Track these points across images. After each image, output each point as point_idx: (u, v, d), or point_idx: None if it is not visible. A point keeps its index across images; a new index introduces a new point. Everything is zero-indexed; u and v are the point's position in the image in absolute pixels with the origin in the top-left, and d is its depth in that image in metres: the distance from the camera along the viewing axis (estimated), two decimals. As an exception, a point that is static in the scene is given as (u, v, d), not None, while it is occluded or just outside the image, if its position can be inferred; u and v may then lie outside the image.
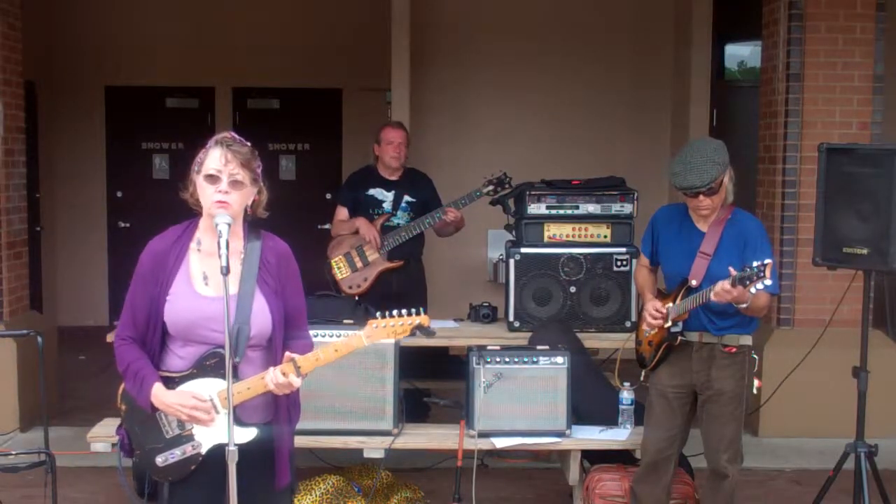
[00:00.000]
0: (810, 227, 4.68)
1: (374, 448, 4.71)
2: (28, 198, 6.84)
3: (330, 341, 4.60)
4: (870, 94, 6.32)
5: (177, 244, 3.03)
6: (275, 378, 2.93)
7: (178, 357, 3.02)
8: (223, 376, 2.91)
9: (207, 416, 2.96)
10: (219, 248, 2.87)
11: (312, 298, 5.30)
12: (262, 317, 3.00)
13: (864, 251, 4.27)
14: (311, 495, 4.67)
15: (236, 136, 3.05)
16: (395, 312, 3.00)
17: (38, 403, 5.32)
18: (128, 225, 9.75)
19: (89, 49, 9.56)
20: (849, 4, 6.27)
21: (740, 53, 9.19)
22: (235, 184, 2.95)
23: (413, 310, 3.02)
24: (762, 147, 6.72)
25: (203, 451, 3.02)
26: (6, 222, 6.34)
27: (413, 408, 5.26)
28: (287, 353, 2.96)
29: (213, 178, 2.95)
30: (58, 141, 9.58)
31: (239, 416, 2.96)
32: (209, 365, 2.97)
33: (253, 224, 3.09)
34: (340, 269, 5.91)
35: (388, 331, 3.00)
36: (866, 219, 4.26)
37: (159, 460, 3.03)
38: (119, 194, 9.88)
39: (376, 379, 4.72)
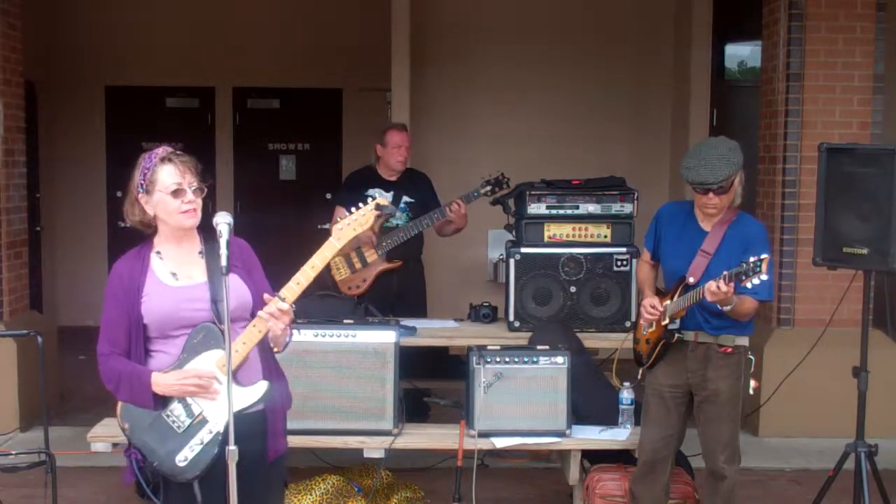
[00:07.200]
0: (810, 227, 4.67)
1: (374, 448, 4.71)
2: (28, 198, 6.83)
3: (327, 340, 4.58)
4: (870, 94, 6.32)
5: (138, 259, 3.15)
6: (268, 316, 2.95)
7: (166, 353, 3.06)
8: (214, 346, 2.99)
9: (212, 384, 2.99)
10: (219, 247, 2.93)
11: (314, 299, 5.31)
12: (240, 290, 3.08)
13: (864, 251, 4.26)
14: (311, 495, 4.67)
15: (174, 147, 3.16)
16: (353, 208, 3.04)
17: (38, 403, 5.31)
18: (128, 225, 9.71)
19: (89, 49, 9.55)
20: (849, 4, 6.27)
21: (740, 53, 9.18)
22: (197, 191, 3.09)
23: (370, 199, 3.06)
24: (762, 147, 6.72)
25: (221, 428, 3.00)
26: (6, 222, 6.34)
27: (413, 408, 5.26)
28: (266, 295, 3.02)
29: (178, 192, 3.06)
30: (58, 141, 9.57)
31: (240, 381, 3.01)
32: (197, 342, 3.02)
33: (205, 228, 3.16)
34: (339, 271, 5.90)
35: (354, 225, 3.04)
36: (866, 219, 4.25)
37: (180, 459, 2.99)
38: (119, 194, 9.81)
39: (376, 379, 4.71)
